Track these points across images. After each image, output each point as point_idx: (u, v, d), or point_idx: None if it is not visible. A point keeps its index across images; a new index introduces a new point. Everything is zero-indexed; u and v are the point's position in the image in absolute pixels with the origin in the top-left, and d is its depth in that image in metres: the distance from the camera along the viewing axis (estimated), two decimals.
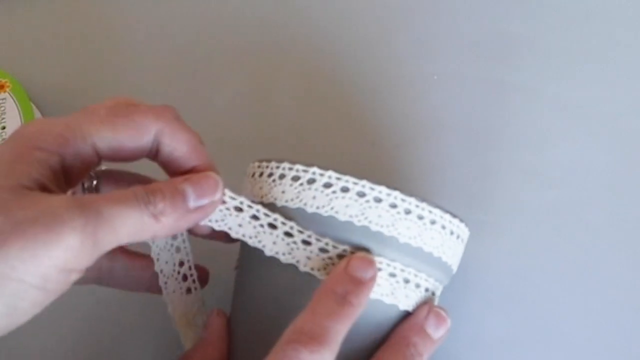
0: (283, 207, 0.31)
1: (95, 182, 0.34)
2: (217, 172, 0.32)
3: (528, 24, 0.49)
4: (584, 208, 0.43)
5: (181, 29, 0.51)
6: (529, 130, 0.45)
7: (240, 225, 0.31)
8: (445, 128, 0.46)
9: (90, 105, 0.31)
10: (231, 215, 0.31)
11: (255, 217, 0.31)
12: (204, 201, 0.30)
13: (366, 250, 0.31)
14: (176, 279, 0.34)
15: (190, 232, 0.34)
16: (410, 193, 0.31)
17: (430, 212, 0.31)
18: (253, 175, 0.34)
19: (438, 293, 0.34)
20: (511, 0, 0.50)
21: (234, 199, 0.31)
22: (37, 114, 0.47)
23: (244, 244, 0.33)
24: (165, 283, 0.34)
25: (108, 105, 0.30)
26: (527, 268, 0.41)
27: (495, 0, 0.50)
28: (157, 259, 0.34)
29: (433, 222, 0.32)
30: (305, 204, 0.31)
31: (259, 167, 0.33)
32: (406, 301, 0.32)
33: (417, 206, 0.31)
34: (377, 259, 0.31)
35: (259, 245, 0.31)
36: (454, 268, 0.34)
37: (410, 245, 0.31)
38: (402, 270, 0.31)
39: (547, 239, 0.42)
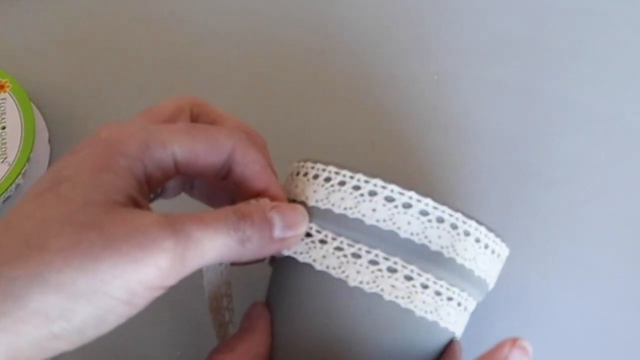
0: (372, 225, 0.31)
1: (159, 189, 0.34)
2: (285, 193, 0.32)
3: (528, 24, 0.49)
4: (584, 208, 0.43)
5: (182, 30, 0.51)
6: (529, 130, 0.45)
7: (324, 257, 0.31)
8: (445, 128, 0.46)
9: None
10: (315, 247, 0.31)
11: (339, 249, 0.31)
12: (289, 233, 0.30)
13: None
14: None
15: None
16: (469, 215, 0.31)
17: (476, 229, 0.31)
18: (316, 177, 0.33)
19: (471, 309, 0.33)
20: (511, 0, 0.50)
21: (319, 232, 0.31)
22: (37, 114, 0.47)
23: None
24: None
25: (184, 122, 0.31)
26: (527, 268, 0.41)
27: (495, 0, 0.50)
28: None
29: (478, 240, 0.31)
30: (398, 228, 0.30)
31: (312, 167, 0.33)
32: (448, 318, 0.31)
33: (476, 229, 0.31)
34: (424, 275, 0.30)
35: (342, 276, 0.30)
36: (491, 285, 0.34)
37: (464, 267, 0.31)
38: (448, 289, 0.31)
39: (547, 239, 0.42)
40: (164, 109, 0.32)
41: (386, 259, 0.30)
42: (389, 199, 0.30)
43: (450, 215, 0.30)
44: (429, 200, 0.30)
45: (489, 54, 0.48)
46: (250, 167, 0.31)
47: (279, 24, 0.51)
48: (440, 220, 0.30)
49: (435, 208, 0.30)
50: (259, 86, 0.49)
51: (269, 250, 0.30)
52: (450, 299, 0.31)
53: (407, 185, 0.31)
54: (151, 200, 0.33)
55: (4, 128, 0.44)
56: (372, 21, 0.50)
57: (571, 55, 0.48)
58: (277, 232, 0.29)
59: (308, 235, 0.31)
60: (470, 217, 0.31)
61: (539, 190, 0.44)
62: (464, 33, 0.49)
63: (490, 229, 0.32)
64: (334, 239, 0.31)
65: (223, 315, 0.34)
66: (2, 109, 0.45)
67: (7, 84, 0.46)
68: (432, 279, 0.30)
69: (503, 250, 0.33)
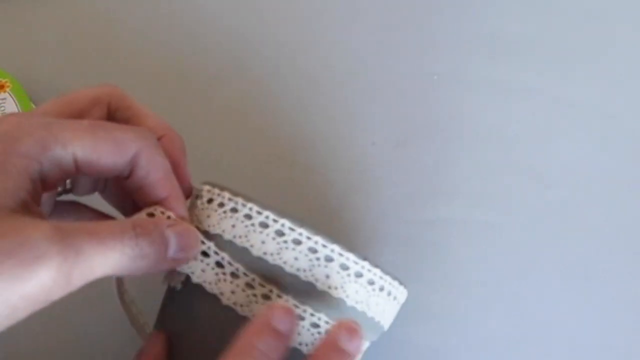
0: (230, 241, 0.31)
1: (69, 183, 0.33)
2: (184, 200, 0.31)
3: (528, 24, 0.49)
4: (584, 208, 0.43)
5: (182, 30, 0.51)
6: (529, 130, 0.45)
7: (203, 271, 0.31)
8: (445, 128, 0.46)
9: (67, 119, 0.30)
10: (196, 260, 0.31)
11: (219, 264, 0.31)
12: (182, 255, 0.29)
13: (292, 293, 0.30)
14: None
15: None
16: (348, 248, 0.31)
17: (369, 271, 0.31)
18: (198, 197, 0.33)
19: (363, 349, 0.33)
20: (511, 0, 0.50)
21: (203, 243, 0.31)
22: None
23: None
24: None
25: (88, 120, 0.30)
26: (527, 268, 0.41)
27: (495, 0, 0.50)
28: None
29: (371, 283, 0.31)
30: (284, 263, 0.30)
31: (208, 191, 0.33)
32: None
33: (369, 270, 0.31)
34: (302, 307, 0.30)
35: (217, 292, 0.31)
36: (385, 326, 0.34)
37: (356, 309, 0.31)
38: (327, 323, 0.31)
39: (547, 239, 0.42)
40: (81, 98, 0.31)
41: (246, 274, 0.30)
42: (279, 233, 0.30)
43: (340, 255, 0.30)
44: (318, 238, 0.30)
45: (489, 54, 0.48)
46: (152, 173, 0.30)
47: (273, 24, 0.51)
48: (329, 259, 0.30)
49: (325, 246, 0.30)
50: (257, 86, 0.49)
51: (159, 269, 0.29)
52: None
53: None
54: (59, 195, 0.33)
55: None
56: (371, 21, 0.50)
57: (571, 55, 0.48)
58: (171, 252, 0.29)
59: (204, 254, 0.31)
60: (364, 258, 0.31)
61: (539, 190, 0.43)
62: (464, 33, 0.49)
63: (386, 272, 0.32)
64: (230, 263, 0.31)
65: (130, 309, 0.35)
66: (2, 109, 0.45)
67: (7, 84, 0.46)
68: (324, 318, 0.30)
69: (400, 292, 0.33)
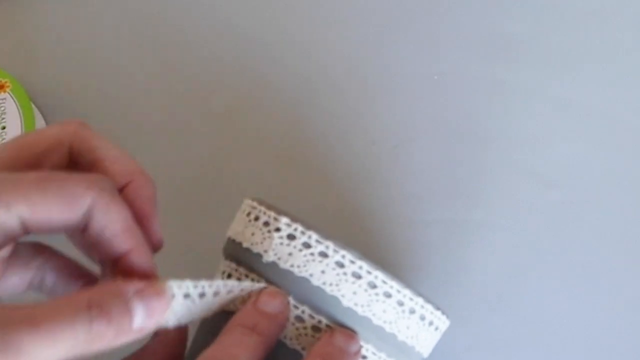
0: (286, 270, 0.30)
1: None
2: (151, 253, 0.28)
3: (528, 24, 0.49)
4: (583, 208, 0.43)
5: (182, 30, 0.51)
6: (529, 130, 0.45)
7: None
8: (445, 128, 0.46)
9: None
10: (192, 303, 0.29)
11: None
12: (150, 323, 0.26)
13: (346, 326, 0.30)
14: None
15: None
16: (393, 277, 0.30)
17: (411, 299, 0.31)
18: (248, 214, 0.32)
19: None
20: (511, 0, 0.50)
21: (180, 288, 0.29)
22: (38, 114, 0.47)
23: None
24: None
25: (36, 172, 0.27)
26: (527, 268, 0.41)
27: (495, 0, 0.50)
28: None
29: (412, 312, 0.31)
30: (342, 296, 0.30)
31: (250, 205, 0.32)
32: None
33: (398, 291, 0.30)
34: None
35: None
36: (425, 355, 0.33)
37: (384, 330, 0.30)
38: (374, 354, 0.30)
39: (547, 239, 0.42)
40: (39, 141, 0.28)
41: (328, 326, 0.30)
42: (339, 264, 0.30)
43: (398, 292, 0.30)
44: (378, 273, 0.30)
45: (489, 54, 0.48)
46: (109, 227, 0.27)
47: (274, 26, 0.51)
48: (388, 295, 0.30)
49: (385, 282, 0.30)
50: (257, 88, 0.49)
51: (121, 341, 0.25)
52: None
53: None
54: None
55: (4, 128, 0.44)
56: (371, 21, 0.50)
57: (571, 55, 0.48)
58: (137, 322, 0.25)
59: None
60: (418, 295, 0.31)
61: (538, 190, 0.43)
62: (464, 33, 0.49)
63: (435, 306, 0.32)
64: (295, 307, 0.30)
65: None
66: (2, 109, 0.45)
67: (7, 84, 0.46)
68: (372, 349, 0.30)
69: (443, 323, 0.33)
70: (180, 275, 0.44)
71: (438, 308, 0.32)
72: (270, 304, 0.29)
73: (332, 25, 0.50)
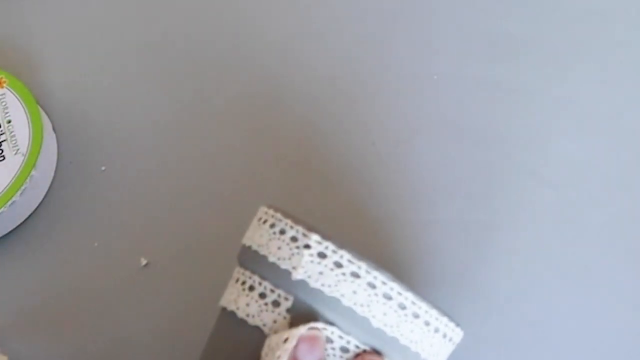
0: (316, 290, 0.30)
1: None
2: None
3: (528, 24, 0.49)
4: (584, 208, 0.43)
5: (183, 29, 0.51)
6: (529, 130, 0.45)
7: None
8: (445, 128, 0.46)
9: None
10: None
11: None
12: None
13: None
14: None
15: None
16: (422, 298, 0.30)
17: (426, 312, 0.31)
18: (272, 225, 0.32)
19: None
20: (511, 0, 0.50)
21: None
22: (42, 111, 0.47)
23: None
24: None
25: None
26: (527, 268, 0.41)
27: (495, 0, 0.50)
28: None
29: (437, 331, 0.31)
30: (373, 317, 0.30)
31: (272, 216, 0.32)
32: None
33: (426, 312, 0.31)
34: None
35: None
36: None
37: (410, 350, 0.30)
38: None
39: (547, 239, 0.42)
40: None
41: (357, 347, 0.30)
42: (371, 285, 0.30)
43: (426, 312, 0.30)
44: (409, 295, 0.30)
45: (488, 54, 0.48)
46: None
47: (275, 27, 0.51)
48: (416, 315, 0.30)
49: (414, 303, 0.30)
50: (258, 88, 0.49)
51: None
52: None
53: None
54: None
55: (9, 122, 0.45)
56: (371, 21, 0.50)
57: (571, 55, 0.48)
58: None
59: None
60: (444, 314, 0.31)
61: (539, 190, 0.43)
62: (463, 33, 0.49)
63: (450, 319, 0.32)
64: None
65: None
66: (4, 103, 0.45)
67: (4, 79, 0.46)
68: None
69: (457, 334, 0.33)
70: (181, 273, 0.44)
71: (458, 325, 0.32)
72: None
73: (332, 25, 0.50)
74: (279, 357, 0.28)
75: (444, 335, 0.31)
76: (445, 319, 0.31)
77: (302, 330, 0.29)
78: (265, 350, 0.29)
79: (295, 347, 0.29)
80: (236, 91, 0.49)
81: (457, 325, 0.32)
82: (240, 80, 0.49)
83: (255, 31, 0.51)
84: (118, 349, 0.41)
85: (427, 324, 0.30)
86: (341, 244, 0.30)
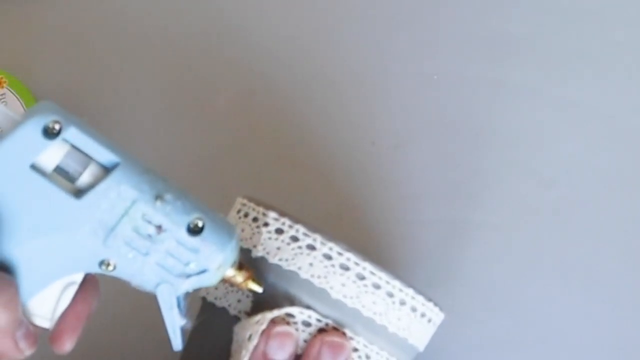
0: (274, 264, 0.30)
1: None
2: None
3: (528, 24, 0.49)
4: (583, 208, 0.43)
5: (182, 29, 0.51)
6: (528, 130, 0.45)
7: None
8: (445, 128, 0.46)
9: None
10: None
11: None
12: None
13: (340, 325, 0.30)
14: None
15: None
16: (382, 268, 0.30)
17: (401, 291, 0.30)
18: (239, 211, 0.33)
19: None
20: (511, 0, 0.50)
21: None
22: None
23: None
24: None
25: None
26: (527, 268, 0.41)
27: (495, 0, 0.50)
28: None
29: (403, 303, 0.31)
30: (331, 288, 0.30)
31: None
32: None
33: (387, 282, 0.30)
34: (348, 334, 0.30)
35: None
36: (421, 349, 0.33)
37: (375, 322, 0.30)
38: (365, 346, 0.30)
39: (547, 239, 0.42)
40: None
41: (319, 320, 0.30)
42: (327, 256, 0.30)
43: (387, 283, 0.30)
44: (367, 264, 0.30)
45: (489, 54, 0.48)
46: None
47: (274, 25, 0.51)
48: (377, 286, 0.30)
49: (373, 274, 0.30)
50: (256, 86, 0.49)
51: None
52: None
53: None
54: None
55: None
56: (371, 21, 0.50)
57: (571, 55, 0.48)
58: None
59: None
60: (409, 286, 0.31)
61: (538, 190, 0.43)
62: (464, 33, 0.49)
63: (428, 298, 0.32)
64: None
65: None
66: (4, 103, 0.45)
67: (3, 80, 0.46)
68: (363, 342, 0.30)
69: (437, 315, 0.33)
70: None
71: (430, 300, 0.32)
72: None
73: (332, 25, 0.50)
74: (244, 356, 0.29)
75: (413, 309, 0.31)
76: (411, 290, 0.31)
77: (263, 326, 0.29)
78: (234, 346, 0.30)
79: (266, 344, 0.29)
80: (235, 91, 0.49)
81: (430, 300, 0.32)
82: (240, 80, 0.49)
83: (255, 31, 0.51)
84: (111, 344, 0.41)
85: (390, 295, 0.30)
86: (297, 219, 0.30)
